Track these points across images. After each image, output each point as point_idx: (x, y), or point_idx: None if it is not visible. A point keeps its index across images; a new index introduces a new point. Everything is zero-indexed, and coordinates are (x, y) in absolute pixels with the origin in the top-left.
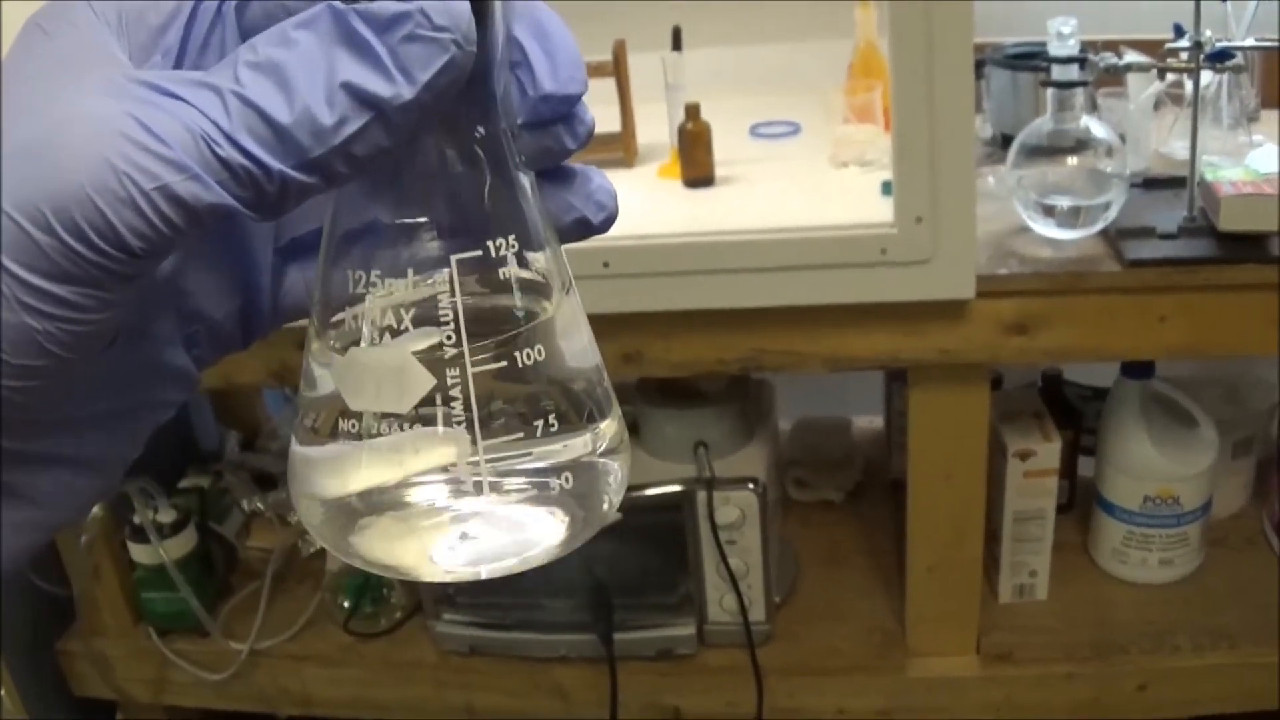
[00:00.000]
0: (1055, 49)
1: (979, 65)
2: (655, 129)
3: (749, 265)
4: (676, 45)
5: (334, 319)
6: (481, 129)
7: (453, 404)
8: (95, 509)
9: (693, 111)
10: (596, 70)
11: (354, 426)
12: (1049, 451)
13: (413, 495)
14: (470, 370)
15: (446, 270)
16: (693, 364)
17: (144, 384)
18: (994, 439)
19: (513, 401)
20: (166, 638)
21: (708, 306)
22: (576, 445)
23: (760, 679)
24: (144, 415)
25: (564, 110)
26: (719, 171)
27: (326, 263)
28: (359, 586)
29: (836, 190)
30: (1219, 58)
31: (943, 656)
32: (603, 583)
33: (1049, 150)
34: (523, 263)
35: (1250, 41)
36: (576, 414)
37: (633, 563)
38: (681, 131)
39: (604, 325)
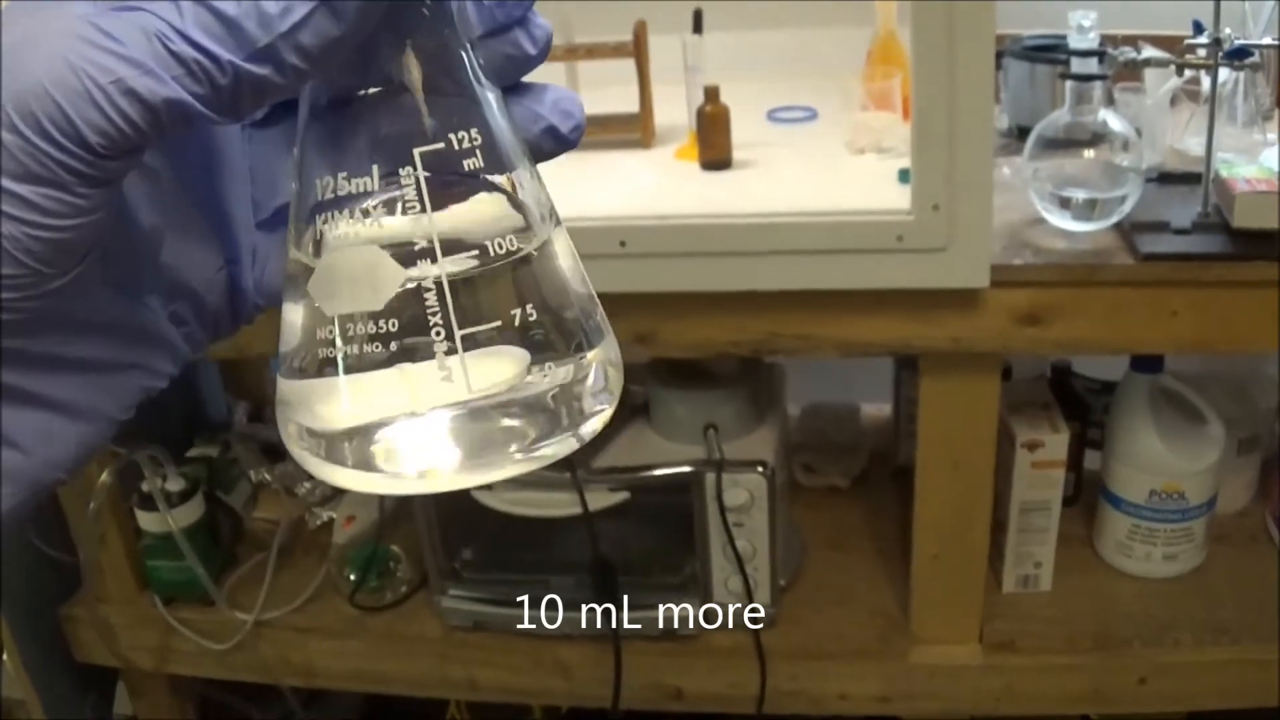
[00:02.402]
0: (1075, 42)
1: (997, 56)
2: (674, 111)
3: (764, 248)
4: (697, 28)
5: (307, 238)
6: (440, 44)
7: (426, 295)
8: (104, 476)
9: (712, 94)
10: (616, 50)
11: (331, 334)
12: (1056, 443)
13: (397, 415)
14: (446, 279)
15: (414, 175)
16: (706, 345)
17: (125, 341)
18: (1002, 429)
19: (496, 320)
20: (171, 606)
21: (722, 289)
22: (562, 370)
23: (763, 661)
24: (131, 377)
25: (519, 13)
26: (736, 155)
27: (299, 196)
28: (365, 560)
29: (853, 176)
30: (1237, 55)
31: (945, 644)
32: (609, 561)
33: (1066, 142)
34: (492, 168)
35: (1269, 40)
36: (565, 342)
37: (639, 542)
38: (700, 114)
39: (618, 304)
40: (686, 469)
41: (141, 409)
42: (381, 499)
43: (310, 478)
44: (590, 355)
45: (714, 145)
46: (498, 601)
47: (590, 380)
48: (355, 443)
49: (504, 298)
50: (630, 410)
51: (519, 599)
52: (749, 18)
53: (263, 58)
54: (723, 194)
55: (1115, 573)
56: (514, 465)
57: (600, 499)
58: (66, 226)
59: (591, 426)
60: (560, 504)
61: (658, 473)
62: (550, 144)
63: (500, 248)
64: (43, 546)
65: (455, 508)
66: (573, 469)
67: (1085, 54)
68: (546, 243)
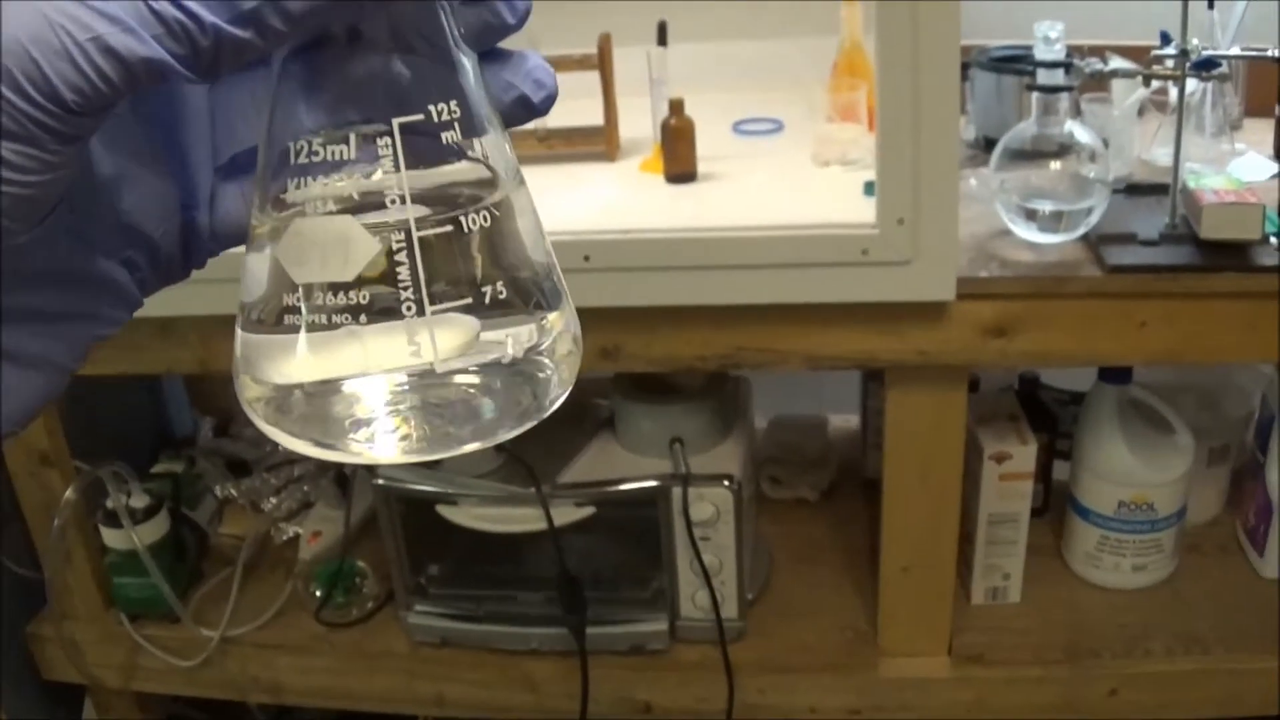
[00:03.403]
0: (1041, 53)
1: (963, 68)
2: (639, 123)
3: (730, 262)
4: (662, 40)
5: (277, 197)
6: (421, 5)
7: (399, 271)
8: (68, 492)
9: (676, 107)
10: (581, 63)
11: (299, 305)
12: (1024, 455)
13: (360, 379)
14: (416, 239)
15: (389, 139)
16: (672, 360)
17: (82, 290)
18: (970, 441)
19: (461, 293)
20: (137, 623)
21: (688, 303)
22: (523, 331)
23: (731, 676)
24: (84, 326)
25: None
26: (701, 167)
27: (268, 147)
28: (331, 575)
29: (819, 189)
30: (1204, 66)
31: (914, 657)
32: (576, 576)
33: (1032, 154)
34: (467, 134)
35: (1236, 50)
36: (524, 300)
37: (606, 557)
38: (665, 127)
39: (584, 319)
40: (652, 484)
41: (106, 425)
42: (347, 514)
43: (277, 493)
44: (551, 318)
45: (679, 158)
46: (465, 617)
47: (552, 348)
48: (311, 405)
49: (473, 259)
50: (596, 424)
51: (486, 614)
52: (714, 28)
53: (246, 20)
54: (688, 207)
55: (1085, 584)
56: (472, 442)
57: (566, 514)
58: (35, 183)
59: (552, 397)
60: (526, 520)
61: (623, 488)
62: (521, 112)
63: (470, 212)
64: (8, 563)
65: (421, 523)
66: (538, 485)
67: (1051, 66)
68: (512, 203)
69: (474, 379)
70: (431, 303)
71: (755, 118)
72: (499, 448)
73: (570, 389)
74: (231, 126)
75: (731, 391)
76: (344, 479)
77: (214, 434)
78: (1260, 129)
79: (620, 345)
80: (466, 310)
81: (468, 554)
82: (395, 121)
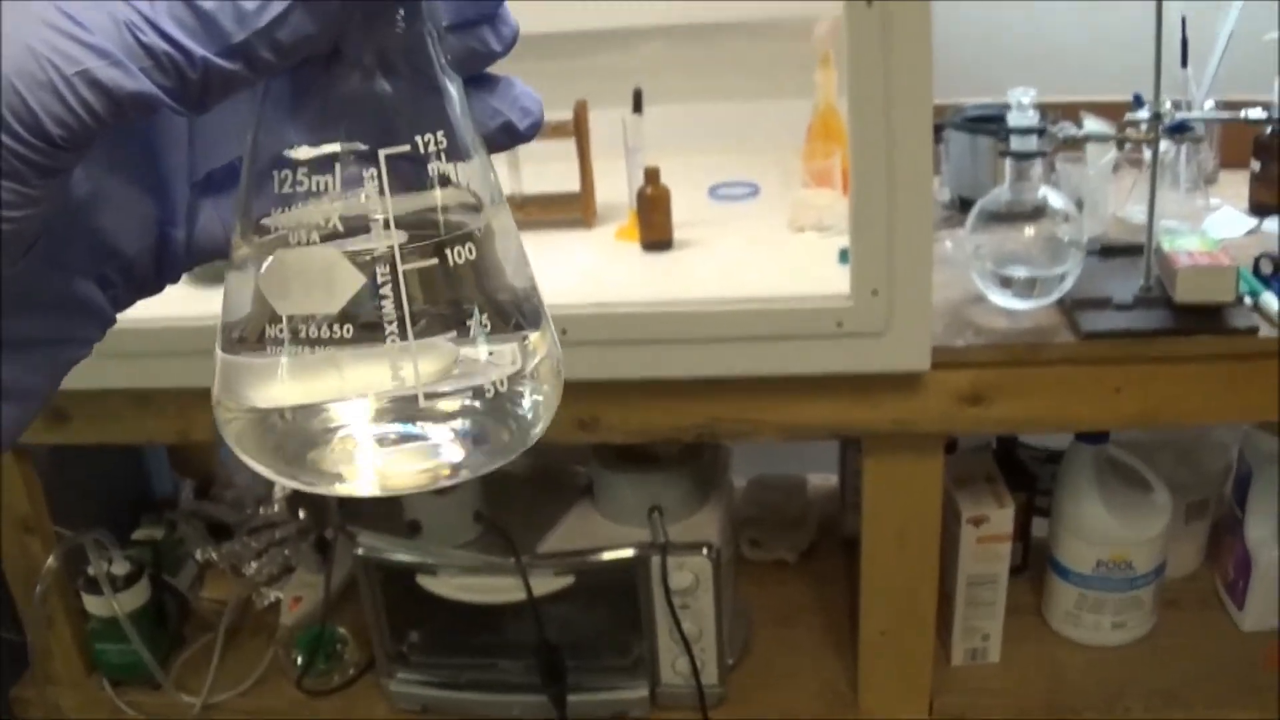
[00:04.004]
0: (1014, 119)
1: (937, 129)
2: (614, 186)
3: (706, 335)
4: (637, 107)
5: (259, 221)
6: (407, 31)
7: (383, 304)
8: (50, 560)
9: (652, 175)
10: (557, 130)
11: (282, 339)
12: (1002, 517)
13: (343, 410)
14: (400, 268)
15: (375, 168)
16: (649, 431)
17: (59, 314)
18: (947, 504)
19: (443, 314)
20: (120, 689)
21: (664, 375)
22: (506, 360)
23: None
24: (59, 349)
25: (489, 10)
26: (677, 234)
27: (252, 169)
28: (312, 641)
29: (794, 256)
30: (1178, 130)
31: (895, 719)
32: (556, 645)
33: (1007, 216)
34: (451, 160)
35: (1210, 110)
36: (506, 325)
37: (586, 625)
38: (640, 195)
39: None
40: (631, 553)
41: (87, 486)
42: (327, 580)
43: (258, 557)
44: (533, 338)
45: (655, 226)
46: (446, 685)
47: (535, 371)
48: (291, 431)
49: (456, 287)
50: (574, 492)
51: (467, 682)
52: (690, 90)
53: (235, 53)
54: (664, 277)
55: (1064, 642)
56: (457, 473)
57: (545, 584)
58: (17, 218)
59: (537, 425)
60: (505, 590)
61: (602, 557)
62: (506, 139)
63: (455, 244)
64: None
65: (401, 591)
66: (517, 555)
67: (1025, 131)
68: (494, 228)
69: (458, 406)
70: (415, 330)
71: (731, 181)
72: (477, 517)
73: (553, 415)
74: (210, 143)
75: (710, 458)
76: (324, 544)
77: (195, 496)
78: (1235, 181)
79: (598, 417)
80: (450, 337)
81: (448, 622)
82: (382, 153)
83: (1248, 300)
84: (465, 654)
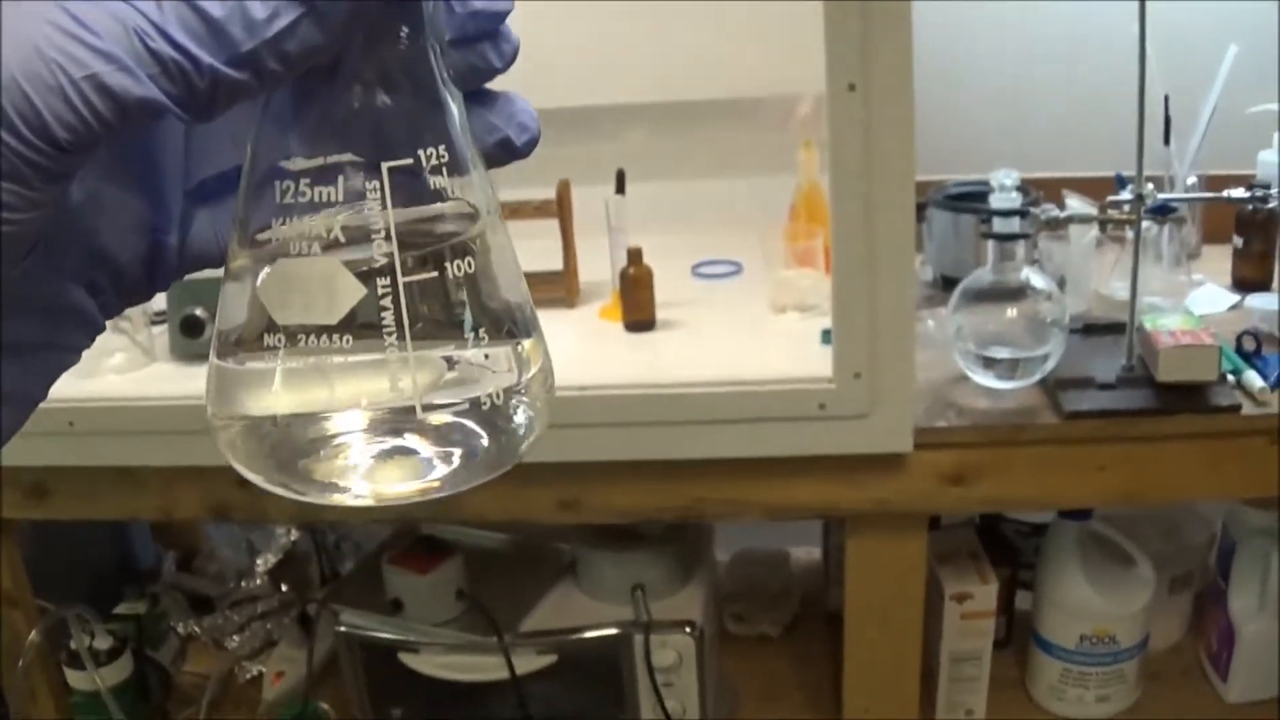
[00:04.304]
0: (997, 201)
1: (920, 207)
2: (598, 265)
3: (688, 418)
4: (620, 188)
5: (259, 233)
6: (410, 45)
7: (384, 315)
8: (33, 635)
9: (634, 256)
10: (540, 209)
11: (279, 343)
12: (986, 594)
13: (339, 420)
14: (401, 280)
15: (377, 180)
16: (632, 512)
17: (51, 320)
18: (931, 580)
19: (440, 319)
20: None
21: (647, 457)
22: (501, 366)
23: None
24: (49, 355)
25: (491, 27)
26: (660, 313)
27: (251, 180)
28: (295, 717)
29: (776, 337)
30: (1160, 211)
31: None
32: None
33: (989, 296)
34: (452, 174)
35: (1192, 187)
36: (500, 333)
37: (569, 703)
38: (623, 275)
39: (543, 473)
40: (613, 631)
41: (70, 558)
42: (309, 655)
43: (240, 630)
44: (527, 345)
45: (637, 306)
46: None
47: (529, 384)
48: (286, 440)
49: (455, 299)
50: (556, 570)
51: None
52: (673, 169)
53: (243, 62)
54: (646, 358)
55: (1049, 716)
56: (451, 485)
57: (528, 662)
58: (20, 220)
59: (530, 438)
60: (488, 668)
61: (585, 636)
62: (503, 154)
63: (454, 258)
64: None
65: (383, 669)
66: (499, 633)
67: (1007, 213)
68: (491, 242)
69: (453, 417)
70: (414, 340)
71: (714, 260)
72: (459, 595)
73: (544, 428)
74: (205, 150)
75: (693, 536)
76: (307, 618)
77: (177, 568)
78: (1218, 256)
79: (580, 498)
80: (448, 346)
81: (431, 700)
82: (384, 166)
83: (1230, 378)
84: None
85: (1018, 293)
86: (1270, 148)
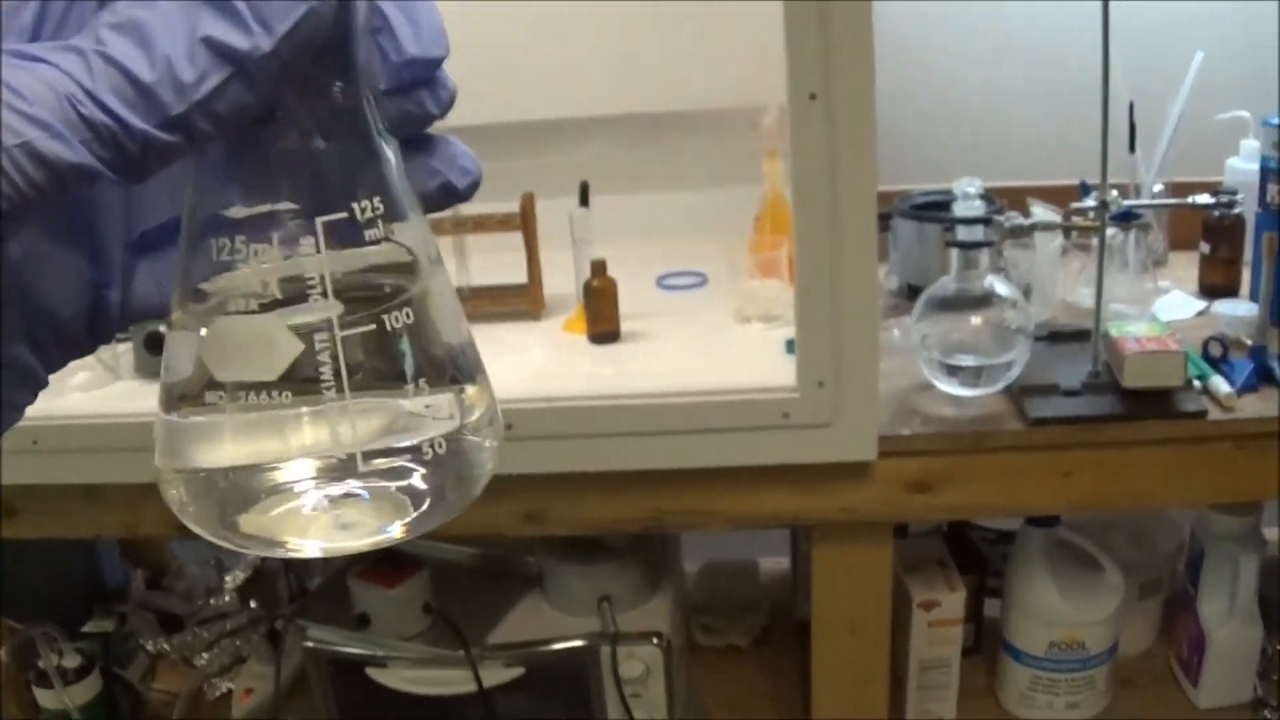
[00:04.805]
0: (960, 209)
1: (884, 216)
2: (562, 277)
3: (652, 428)
4: (584, 200)
5: (198, 286)
6: (343, 96)
7: (322, 369)
8: (0, 653)
9: (598, 268)
10: (504, 223)
11: (222, 400)
12: (953, 601)
13: (284, 471)
14: (339, 334)
15: (312, 235)
16: (596, 523)
17: None
18: (898, 588)
19: (380, 368)
20: None
21: (612, 468)
22: (444, 413)
23: None
24: None
25: (427, 75)
26: (625, 326)
27: (189, 237)
28: None
29: (741, 347)
30: (1125, 218)
31: None
32: None
33: (954, 305)
34: (391, 232)
35: (1158, 195)
36: (443, 380)
37: (536, 715)
38: (587, 288)
39: (507, 485)
40: (581, 643)
41: (38, 578)
42: (277, 673)
43: (209, 648)
44: (470, 393)
45: (602, 318)
46: None
47: (474, 427)
48: (232, 493)
49: (394, 348)
50: (523, 583)
51: None
52: (637, 181)
53: (175, 125)
54: (611, 370)
55: None
56: (398, 531)
57: (496, 675)
58: None
59: (478, 479)
60: (455, 681)
61: (552, 648)
62: (445, 199)
63: (393, 310)
64: None
65: (351, 684)
66: (466, 647)
67: (971, 221)
68: (430, 289)
69: (398, 464)
70: (352, 390)
71: (679, 271)
72: (426, 609)
73: (494, 468)
74: (144, 203)
75: (660, 547)
76: (275, 635)
77: (146, 586)
78: (1184, 262)
79: (545, 510)
80: (388, 395)
81: (399, 714)
82: (319, 221)
83: (1197, 384)
84: None
85: (982, 300)
86: (1237, 154)
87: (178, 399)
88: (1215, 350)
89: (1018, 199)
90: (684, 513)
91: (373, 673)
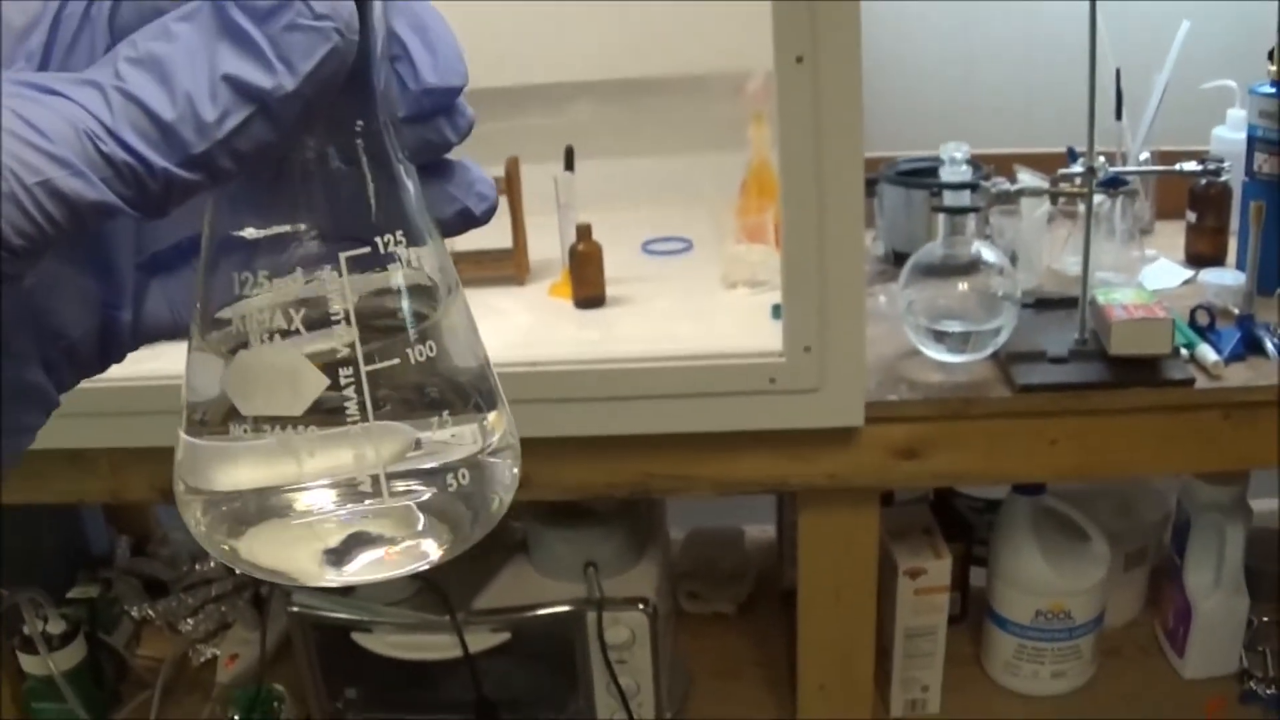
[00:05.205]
0: (947, 174)
1: (871, 182)
2: (547, 242)
3: (638, 393)
4: (569, 165)
5: (218, 318)
6: (363, 124)
7: (347, 404)
8: None
9: (584, 232)
10: None
11: (245, 426)
12: (939, 569)
13: (304, 496)
14: (363, 369)
15: (334, 268)
16: (582, 488)
17: (10, 404)
18: (884, 556)
19: (405, 399)
20: None
21: (597, 433)
22: (466, 440)
23: None
24: (11, 440)
25: (445, 103)
26: (610, 290)
27: (208, 261)
28: (249, 700)
29: (727, 312)
30: (1111, 184)
31: None
32: (493, 700)
33: (940, 271)
34: (410, 258)
35: (1144, 162)
36: (465, 408)
37: (522, 680)
38: (573, 252)
39: None
40: (566, 608)
41: (22, 544)
42: (263, 639)
43: (194, 613)
44: (491, 418)
45: (587, 283)
46: None
47: (495, 450)
48: (253, 518)
49: (416, 377)
50: (509, 548)
51: None
52: (622, 146)
53: (196, 164)
54: (596, 334)
55: (1004, 691)
56: (420, 560)
57: (481, 640)
58: None
59: (499, 504)
60: (441, 646)
61: (539, 612)
62: (462, 224)
63: (415, 343)
64: None
65: (336, 649)
66: (452, 612)
67: (958, 186)
68: (451, 313)
69: (420, 491)
70: (376, 416)
71: (664, 237)
72: (413, 574)
73: (513, 493)
74: (157, 225)
75: (646, 513)
76: (260, 600)
77: (131, 553)
78: (1171, 231)
79: (530, 475)
80: (411, 424)
81: (385, 679)
82: (343, 256)
83: (1184, 352)
84: (402, 710)
85: (969, 267)
86: (1223, 123)
87: (199, 423)
88: (1202, 319)
89: (1004, 166)
90: (670, 477)
91: (358, 638)
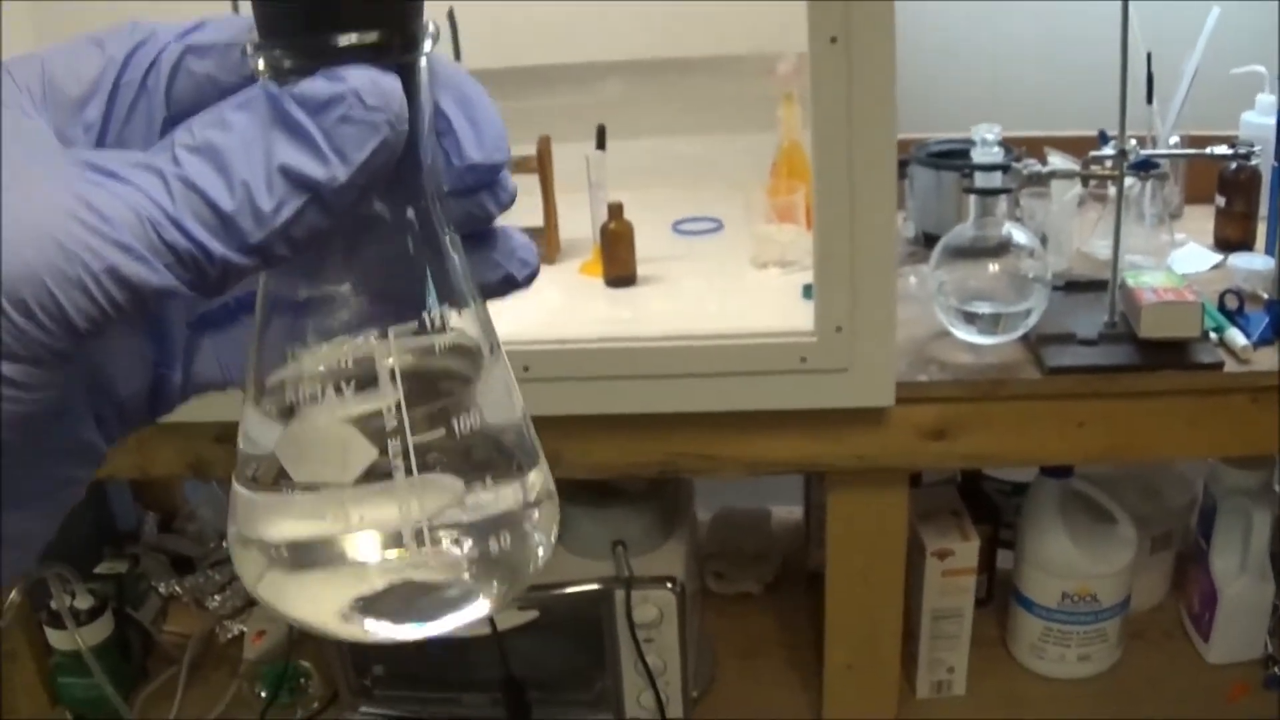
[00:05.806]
0: (978, 156)
1: (902, 164)
2: (578, 221)
3: (668, 371)
4: (601, 144)
5: (270, 383)
6: (411, 198)
7: (395, 472)
8: (13, 594)
9: (615, 211)
10: (520, 166)
11: (294, 492)
12: (967, 551)
13: (350, 552)
14: (410, 439)
15: (383, 340)
16: (610, 467)
17: (61, 462)
18: (912, 537)
19: (452, 468)
20: None
21: (626, 411)
22: (508, 499)
23: None
24: (59, 494)
25: (489, 178)
26: (641, 270)
27: (261, 327)
28: (277, 676)
29: (757, 292)
30: (1142, 167)
31: None
32: (520, 678)
33: (971, 253)
34: (455, 328)
35: (1175, 145)
36: (507, 467)
37: (550, 659)
38: (604, 231)
39: None
40: (595, 587)
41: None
42: None
43: (221, 590)
44: (531, 476)
45: (618, 262)
46: (409, 719)
47: (534, 505)
48: (303, 571)
49: (464, 447)
50: None
51: (430, 716)
52: (654, 125)
53: (252, 251)
54: (627, 313)
55: (1029, 674)
56: (466, 613)
57: (509, 618)
58: (35, 399)
59: (540, 557)
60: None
61: (567, 591)
62: (505, 289)
63: (460, 414)
64: None
65: None
66: None
67: (989, 168)
68: (493, 374)
69: (464, 547)
70: (421, 473)
71: (695, 216)
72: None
73: (554, 542)
74: None
75: (673, 492)
76: None
77: (158, 529)
78: (1201, 216)
79: (559, 453)
80: (456, 482)
81: (412, 655)
82: (392, 333)
83: (1213, 336)
84: (429, 688)
85: (1000, 248)
86: (1252, 109)
87: (251, 479)
88: (1231, 303)
89: (1035, 149)
90: (699, 457)
91: None
